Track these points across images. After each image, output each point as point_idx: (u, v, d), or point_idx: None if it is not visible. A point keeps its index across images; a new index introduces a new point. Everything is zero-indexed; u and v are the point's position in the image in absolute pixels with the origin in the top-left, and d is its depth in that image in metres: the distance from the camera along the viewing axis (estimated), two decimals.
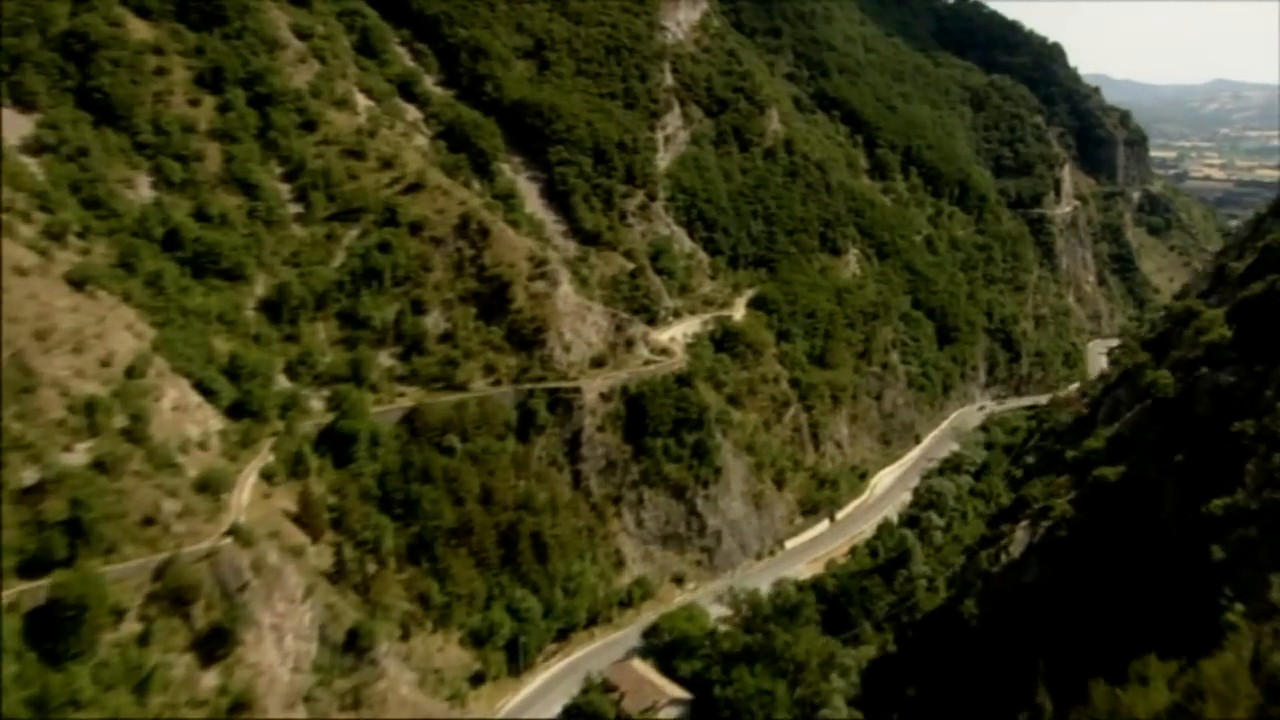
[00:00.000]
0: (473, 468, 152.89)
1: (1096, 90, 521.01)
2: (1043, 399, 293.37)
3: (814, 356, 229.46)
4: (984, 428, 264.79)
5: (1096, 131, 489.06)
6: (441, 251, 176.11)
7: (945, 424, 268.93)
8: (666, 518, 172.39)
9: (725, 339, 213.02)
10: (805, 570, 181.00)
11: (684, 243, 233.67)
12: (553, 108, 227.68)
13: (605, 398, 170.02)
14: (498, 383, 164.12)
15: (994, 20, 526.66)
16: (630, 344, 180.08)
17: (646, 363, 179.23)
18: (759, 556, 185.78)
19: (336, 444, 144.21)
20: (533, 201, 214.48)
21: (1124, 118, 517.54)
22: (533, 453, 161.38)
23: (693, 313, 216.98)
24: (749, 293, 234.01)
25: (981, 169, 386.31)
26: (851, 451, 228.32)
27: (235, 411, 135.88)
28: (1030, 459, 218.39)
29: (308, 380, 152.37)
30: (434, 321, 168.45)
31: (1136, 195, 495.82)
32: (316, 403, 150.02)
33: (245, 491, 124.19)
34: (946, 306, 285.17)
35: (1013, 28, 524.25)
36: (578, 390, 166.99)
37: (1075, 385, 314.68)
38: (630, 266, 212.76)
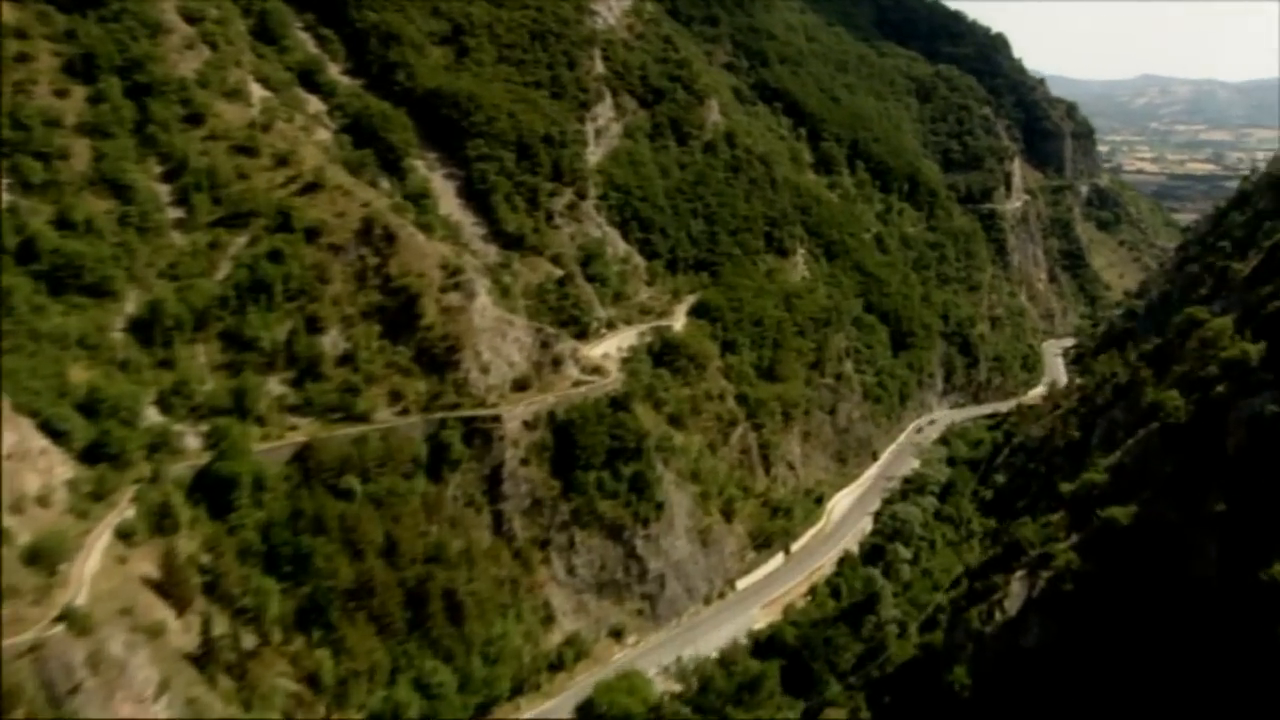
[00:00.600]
0: (375, 514, 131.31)
1: (1041, 82, 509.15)
2: (1003, 406, 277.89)
3: (762, 369, 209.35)
4: (944, 440, 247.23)
5: (1043, 124, 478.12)
6: (341, 260, 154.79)
7: (903, 436, 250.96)
8: (602, 562, 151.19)
9: (664, 352, 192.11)
10: (760, 616, 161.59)
11: (618, 245, 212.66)
12: (471, 98, 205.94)
13: (529, 426, 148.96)
14: (405, 412, 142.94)
15: (936, 10, 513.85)
16: (558, 363, 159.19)
17: (576, 384, 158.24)
18: (708, 601, 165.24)
19: (213, 490, 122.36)
20: (448, 202, 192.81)
21: (1070, 110, 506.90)
22: (446, 493, 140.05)
23: (628, 323, 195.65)
24: (690, 299, 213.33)
25: (930, 163, 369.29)
26: (805, 473, 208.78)
27: (91, 455, 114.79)
28: (1000, 478, 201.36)
29: (183, 413, 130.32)
30: (332, 341, 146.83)
31: (1085, 189, 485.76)
32: (192, 440, 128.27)
33: (93, 557, 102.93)
34: (900, 310, 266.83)
35: (955, 18, 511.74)
36: (497, 419, 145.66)
37: (1037, 390, 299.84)
38: (558, 273, 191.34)
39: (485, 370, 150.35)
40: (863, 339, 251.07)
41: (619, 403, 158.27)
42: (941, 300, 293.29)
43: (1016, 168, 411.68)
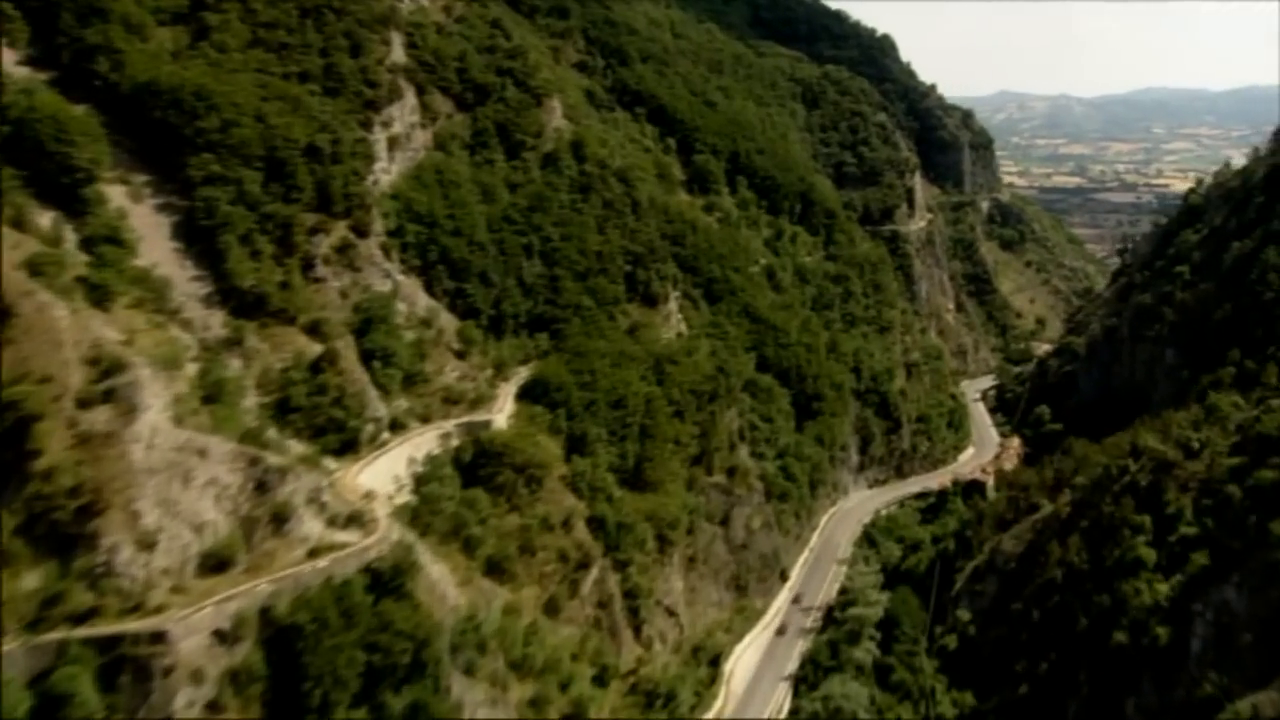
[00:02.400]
0: None
1: (933, 88, 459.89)
2: (933, 481, 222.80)
3: (626, 473, 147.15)
4: (869, 539, 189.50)
5: (938, 134, 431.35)
6: None
7: (815, 538, 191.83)
8: None
9: (481, 462, 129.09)
10: None
11: (416, 301, 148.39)
12: (200, 95, 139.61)
13: (225, 640, 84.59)
14: None
15: (816, 9, 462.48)
16: (282, 518, 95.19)
17: (314, 552, 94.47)
18: None
19: None
20: (156, 246, 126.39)
21: (966, 118, 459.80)
22: None
23: (426, 420, 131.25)
24: (521, 375, 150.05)
25: (823, 178, 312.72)
26: (690, 617, 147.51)
27: None
28: (965, 615, 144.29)
29: None
30: None
31: (986, 205, 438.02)
32: None
33: None
34: (803, 366, 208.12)
35: (837, 18, 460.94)
36: (160, 636, 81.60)
37: (967, 454, 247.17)
38: (316, 350, 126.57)
39: (148, 545, 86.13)
40: (759, 410, 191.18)
41: (387, 580, 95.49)
42: (852, 349, 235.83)
43: (918, 182, 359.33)
